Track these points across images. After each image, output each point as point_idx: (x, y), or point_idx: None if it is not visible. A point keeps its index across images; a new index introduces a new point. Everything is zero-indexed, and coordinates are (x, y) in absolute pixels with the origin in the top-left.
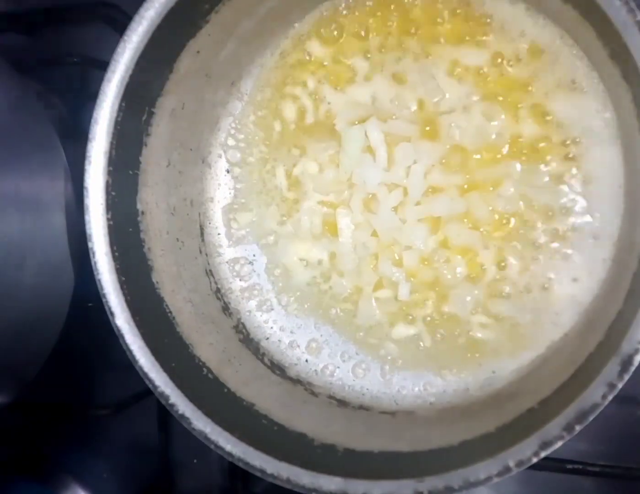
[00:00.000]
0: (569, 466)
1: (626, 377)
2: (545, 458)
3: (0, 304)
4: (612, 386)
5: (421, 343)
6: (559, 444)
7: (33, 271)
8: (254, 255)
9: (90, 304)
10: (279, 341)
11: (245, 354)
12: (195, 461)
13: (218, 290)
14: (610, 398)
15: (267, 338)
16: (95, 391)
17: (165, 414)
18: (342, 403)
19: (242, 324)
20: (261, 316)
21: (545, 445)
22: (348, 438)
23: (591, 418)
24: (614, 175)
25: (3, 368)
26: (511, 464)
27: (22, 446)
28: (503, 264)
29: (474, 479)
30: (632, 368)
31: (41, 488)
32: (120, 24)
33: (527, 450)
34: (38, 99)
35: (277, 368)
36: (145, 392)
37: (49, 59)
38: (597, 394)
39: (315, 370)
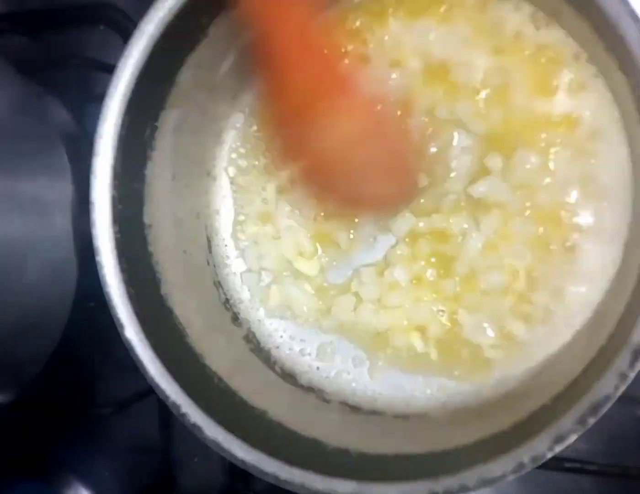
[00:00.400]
0: (568, 465)
1: (638, 366)
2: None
3: (2, 304)
4: (623, 376)
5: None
6: (574, 437)
7: (35, 271)
8: (261, 265)
9: (92, 304)
10: (290, 349)
11: (255, 363)
12: (196, 459)
13: (227, 301)
14: (622, 388)
15: (278, 347)
16: (97, 390)
17: (166, 413)
18: (354, 408)
19: (252, 333)
20: (271, 324)
21: (559, 439)
22: (361, 442)
23: (604, 410)
24: (621, 174)
25: (5, 367)
26: (525, 460)
27: (24, 444)
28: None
29: (489, 477)
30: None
31: (43, 487)
32: (121, 26)
33: (541, 445)
34: (39, 100)
35: (288, 376)
36: (147, 391)
37: (50, 60)
38: (610, 385)
39: (327, 377)
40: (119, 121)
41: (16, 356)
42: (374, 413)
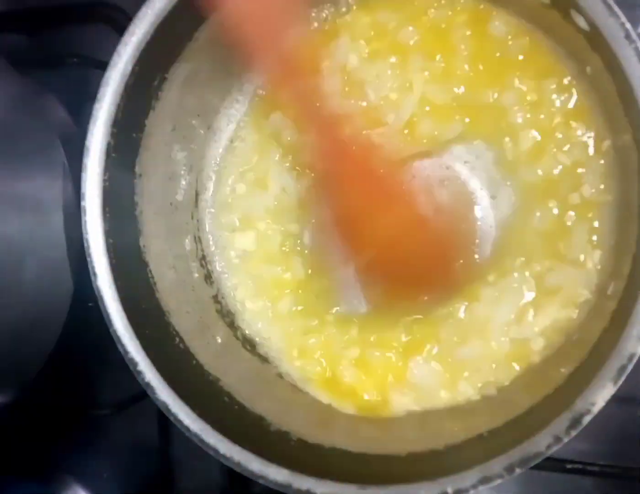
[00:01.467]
0: (569, 466)
1: (573, 433)
2: (545, 458)
3: (0, 304)
4: (558, 439)
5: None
6: (498, 481)
7: (33, 271)
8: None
9: (90, 304)
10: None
11: (219, 326)
12: (195, 461)
13: (203, 257)
14: (554, 449)
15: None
16: (96, 391)
17: (165, 414)
18: (304, 390)
19: (222, 294)
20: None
21: (485, 480)
22: (303, 427)
23: (532, 465)
24: None
25: (3, 368)
26: (449, 490)
27: (22, 446)
28: None
29: None
30: (580, 427)
31: (41, 488)
32: (120, 25)
33: (468, 481)
34: (37, 99)
35: (248, 343)
36: (146, 392)
37: (48, 58)
38: (542, 443)
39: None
40: (128, 69)
41: (14, 357)
42: None
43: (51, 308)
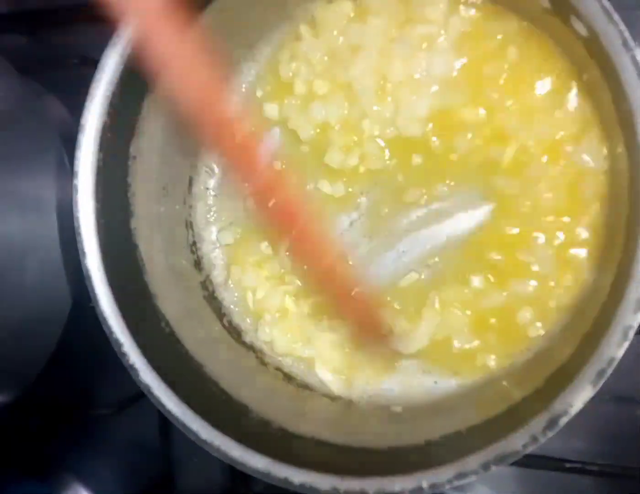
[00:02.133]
0: (568, 465)
1: (550, 434)
2: (544, 457)
3: (1, 304)
4: (534, 438)
5: None
6: (473, 478)
7: (33, 271)
8: (236, 214)
9: (91, 304)
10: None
11: (206, 313)
12: (195, 460)
13: (194, 243)
14: (530, 449)
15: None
16: (96, 391)
17: None
18: (288, 377)
19: (210, 280)
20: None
21: (460, 476)
22: (285, 415)
23: (509, 462)
24: None
25: (4, 368)
26: (424, 485)
27: (23, 445)
28: None
29: (389, 490)
30: (557, 428)
31: (42, 488)
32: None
33: (443, 476)
34: (38, 100)
35: (234, 331)
36: None
37: (49, 59)
38: (519, 442)
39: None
40: (127, 51)
41: (15, 357)
42: (306, 387)
43: (51, 308)
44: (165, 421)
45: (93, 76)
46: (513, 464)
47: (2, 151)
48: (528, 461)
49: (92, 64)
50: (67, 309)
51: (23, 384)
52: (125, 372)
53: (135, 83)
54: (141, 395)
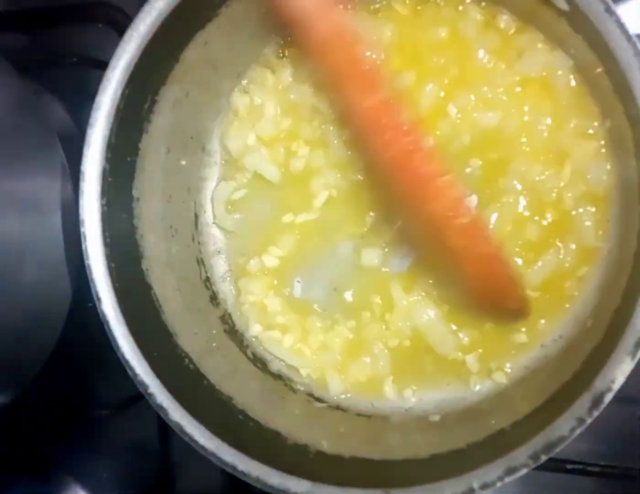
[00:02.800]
0: (570, 466)
1: (595, 413)
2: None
3: (0, 304)
4: (581, 421)
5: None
6: (524, 471)
7: (32, 271)
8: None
9: (90, 305)
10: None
11: (228, 346)
12: (195, 461)
13: (208, 279)
14: (578, 432)
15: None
16: (96, 392)
17: None
18: (319, 401)
19: (229, 314)
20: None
21: (510, 471)
22: (321, 439)
23: (557, 450)
24: None
25: (3, 368)
26: (475, 486)
27: (22, 446)
28: None
29: None
30: (603, 406)
31: (41, 488)
32: (120, 24)
33: (493, 473)
34: (37, 99)
35: (259, 362)
36: None
37: (48, 58)
38: (566, 427)
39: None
40: (118, 93)
41: (14, 357)
42: (338, 408)
43: (51, 308)
44: (163, 423)
45: (88, 123)
46: None
47: (1, 151)
48: None
49: (91, 63)
50: (66, 309)
51: (22, 385)
52: (124, 373)
53: (130, 124)
54: (140, 396)
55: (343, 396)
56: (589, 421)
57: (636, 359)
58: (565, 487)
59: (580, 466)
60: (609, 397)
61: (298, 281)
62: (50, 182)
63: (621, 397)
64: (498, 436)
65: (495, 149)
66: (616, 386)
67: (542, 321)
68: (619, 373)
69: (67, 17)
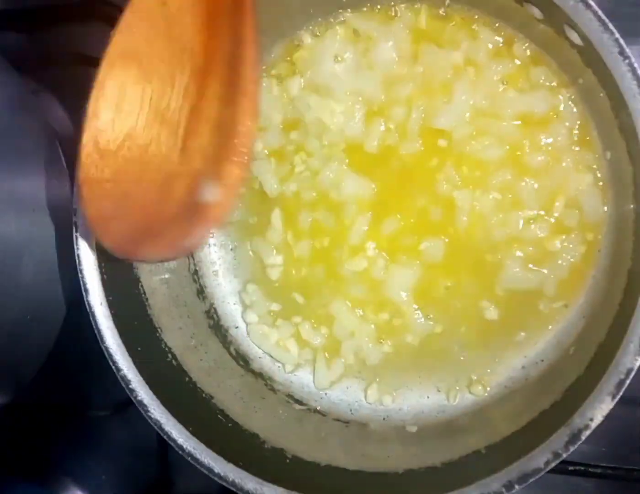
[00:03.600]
0: (571, 468)
1: (572, 449)
2: None
3: None
4: (557, 455)
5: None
6: None
7: (30, 271)
8: (236, 242)
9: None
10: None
11: (212, 342)
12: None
13: (196, 272)
14: (553, 465)
15: (237, 327)
16: (94, 392)
17: None
18: (299, 403)
19: (215, 309)
20: (234, 303)
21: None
22: (298, 443)
23: (531, 481)
24: None
25: (1, 369)
26: None
27: (20, 447)
28: None
29: None
30: (579, 442)
31: (40, 489)
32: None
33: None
34: (36, 98)
35: (241, 359)
36: None
37: (48, 57)
38: (541, 459)
39: (279, 366)
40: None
41: (12, 358)
42: (317, 411)
43: (49, 308)
44: None
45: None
46: None
47: (0, 150)
48: None
49: (91, 63)
50: (63, 310)
51: (19, 386)
52: None
53: None
54: None
55: (325, 394)
56: (564, 455)
57: (616, 400)
58: (568, 488)
59: (582, 468)
60: (586, 434)
61: None
62: (49, 182)
63: (624, 399)
64: (473, 456)
65: None
66: (594, 424)
67: (522, 334)
68: (598, 413)
69: (67, 16)
